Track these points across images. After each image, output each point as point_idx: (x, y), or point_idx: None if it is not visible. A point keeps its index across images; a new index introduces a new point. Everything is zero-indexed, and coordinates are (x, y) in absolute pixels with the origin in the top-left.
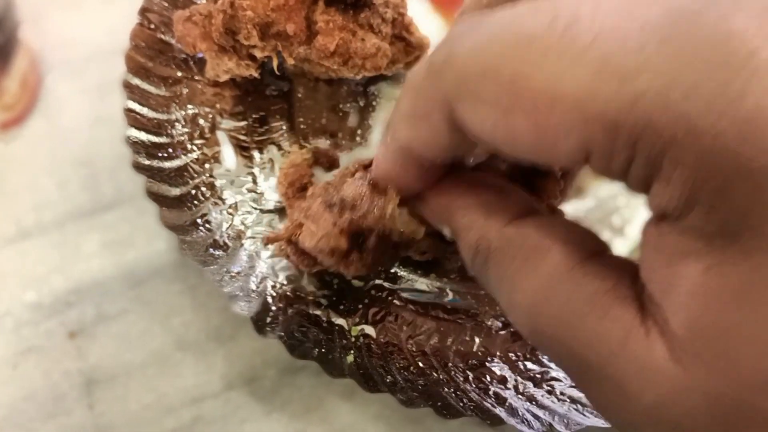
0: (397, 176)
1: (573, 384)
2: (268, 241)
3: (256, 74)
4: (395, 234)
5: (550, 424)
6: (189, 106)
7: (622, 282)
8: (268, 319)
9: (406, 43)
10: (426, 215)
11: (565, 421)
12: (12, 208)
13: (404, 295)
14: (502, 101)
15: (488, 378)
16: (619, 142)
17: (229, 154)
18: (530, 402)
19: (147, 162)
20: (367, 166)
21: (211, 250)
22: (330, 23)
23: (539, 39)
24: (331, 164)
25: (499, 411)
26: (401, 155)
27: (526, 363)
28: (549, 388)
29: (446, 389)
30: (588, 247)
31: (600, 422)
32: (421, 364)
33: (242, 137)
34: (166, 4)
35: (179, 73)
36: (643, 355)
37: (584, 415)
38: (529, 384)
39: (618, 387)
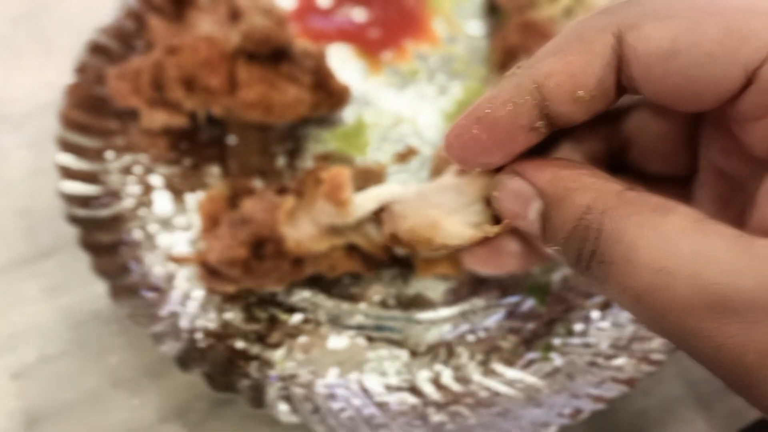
0: (500, 121)
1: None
2: (173, 259)
3: (185, 124)
4: (291, 243)
5: None
6: (124, 155)
7: (744, 232)
8: (196, 356)
9: (326, 90)
10: (521, 186)
11: None
12: None
13: (330, 327)
14: (692, 15)
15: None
16: None
17: (163, 200)
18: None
19: (81, 213)
20: (280, 191)
21: (143, 292)
22: (251, 77)
23: None
24: (248, 194)
25: None
26: (526, 90)
27: (443, 382)
28: (461, 408)
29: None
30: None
31: None
32: (341, 392)
33: (176, 182)
34: (101, 61)
35: (114, 125)
36: None
37: None
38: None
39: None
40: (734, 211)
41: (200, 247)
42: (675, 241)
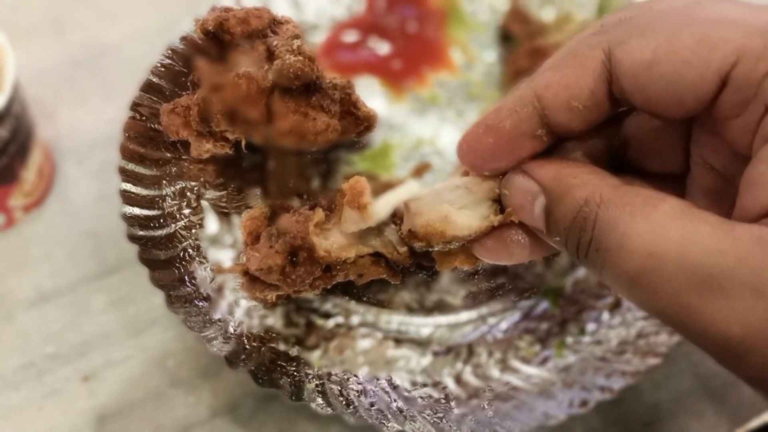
0: (505, 128)
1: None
2: (219, 270)
3: (230, 152)
4: (321, 251)
5: None
6: (177, 182)
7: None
8: (243, 356)
9: (354, 117)
10: (525, 183)
11: None
12: (33, 277)
13: (362, 330)
14: (670, 29)
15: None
16: None
17: (212, 220)
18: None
19: (140, 233)
20: (312, 207)
21: (195, 301)
22: (285, 109)
23: None
24: (286, 212)
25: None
26: (527, 101)
27: (464, 378)
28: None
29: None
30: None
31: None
32: (371, 388)
33: (223, 204)
34: (154, 99)
35: (168, 155)
36: None
37: None
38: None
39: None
40: (724, 204)
41: (242, 260)
42: (664, 227)
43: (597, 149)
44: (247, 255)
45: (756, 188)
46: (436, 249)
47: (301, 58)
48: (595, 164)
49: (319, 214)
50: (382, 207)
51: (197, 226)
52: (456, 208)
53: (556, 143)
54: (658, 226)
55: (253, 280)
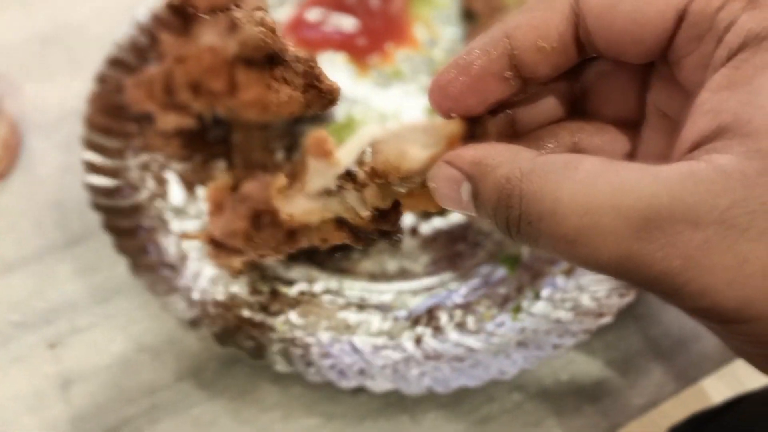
0: (475, 68)
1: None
2: (184, 236)
3: (195, 124)
4: (284, 215)
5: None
6: (142, 154)
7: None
8: (206, 321)
9: (317, 90)
10: (453, 174)
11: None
12: None
13: (325, 297)
14: None
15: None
16: None
17: (177, 192)
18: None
19: (105, 202)
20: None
21: (160, 269)
22: (248, 79)
23: None
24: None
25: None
26: (498, 42)
27: (424, 341)
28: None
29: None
30: None
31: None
32: (334, 351)
33: (188, 176)
34: (120, 72)
35: (133, 128)
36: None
37: None
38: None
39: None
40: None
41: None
42: (592, 183)
43: (559, 96)
44: (212, 223)
45: (695, 115)
46: (398, 188)
47: (263, 29)
48: (557, 111)
49: (281, 179)
50: (345, 153)
51: (161, 197)
52: (413, 146)
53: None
54: (585, 183)
55: (218, 246)
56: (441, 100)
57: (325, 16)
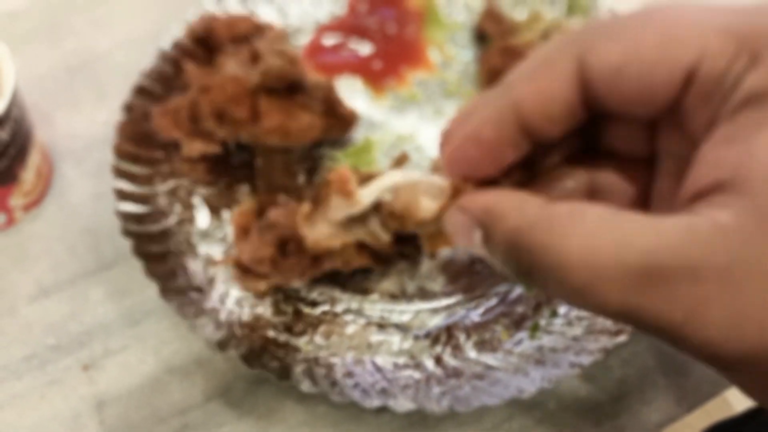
0: (488, 140)
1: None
2: (214, 262)
3: (219, 150)
4: (309, 242)
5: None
6: (169, 180)
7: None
8: (233, 342)
9: (336, 115)
10: (465, 221)
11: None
12: (34, 272)
13: (347, 317)
14: (636, 29)
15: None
16: (733, 45)
17: (203, 216)
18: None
19: (135, 228)
20: (299, 201)
21: (188, 292)
22: (270, 108)
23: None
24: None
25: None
26: (506, 113)
27: (443, 360)
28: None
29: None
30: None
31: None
32: (357, 370)
33: (213, 201)
34: (146, 101)
35: (160, 154)
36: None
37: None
38: (443, 378)
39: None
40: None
41: (234, 253)
42: (596, 237)
43: (570, 147)
44: (238, 247)
45: (697, 167)
46: (417, 231)
47: (284, 60)
48: (571, 149)
49: (306, 207)
50: (366, 193)
51: (189, 222)
52: (425, 196)
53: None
54: (589, 238)
55: (245, 271)
56: (458, 171)
57: (343, 41)
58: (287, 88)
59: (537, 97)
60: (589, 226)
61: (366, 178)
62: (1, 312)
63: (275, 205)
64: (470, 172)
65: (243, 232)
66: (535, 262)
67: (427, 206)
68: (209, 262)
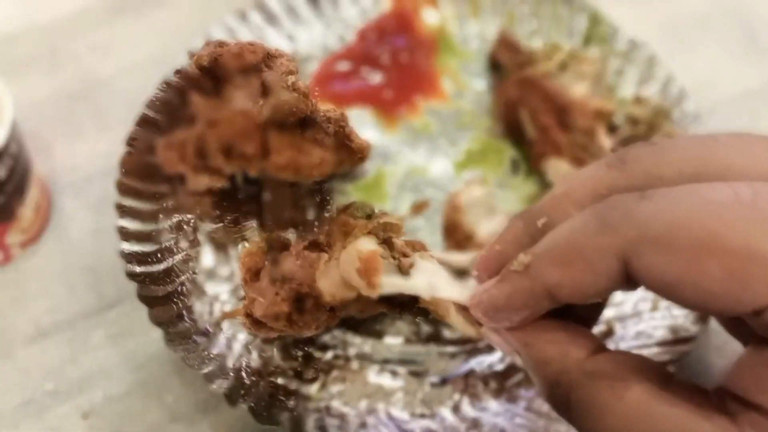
0: (517, 309)
1: None
2: (224, 316)
3: (226, 185)
4: (327, 297)
5: None
6: (174, 215)
7: (706, 397)
8: (242, 392)
9: (348, 149)
10: (502, 342)
11: None
12: (32, 312)
13: (359, 362)
14: (694, 252)
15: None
16: None
17: (208, 253)
18: None
19: (138, 269)
20: (307, 247)
21: (194, 337)
22: (281, 144)
23: (730, 206)
24: (282, 247)
25: None
26: (539, 296)
27: (461, 409)
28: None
29: None
30: (662, 372)
31: None
32: (371, 421)
33: (219, 236)
34: (150, 132)
35: (164, 189)
36: None
37: None
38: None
39: None
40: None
41: (241, 295)
42: (634, 423)
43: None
44: (247, 294)
45: (741, 364)
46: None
47: (295, 94)
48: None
49: (323, 260)
50: (388, 288)
51: (194, 260)
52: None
53: None
54: (626, 422)
55: (257, 322)
56: (488, 323)
57: (353, 69)
58: (298, 122)
59: (574, 286)
60: (628, 409)
61: (383, 227)
62: None
63: (285, 247)
64: (500, 323)
65: (252, 275)
66: (571, 415)
67: (459, 322)
68: (222, 318)
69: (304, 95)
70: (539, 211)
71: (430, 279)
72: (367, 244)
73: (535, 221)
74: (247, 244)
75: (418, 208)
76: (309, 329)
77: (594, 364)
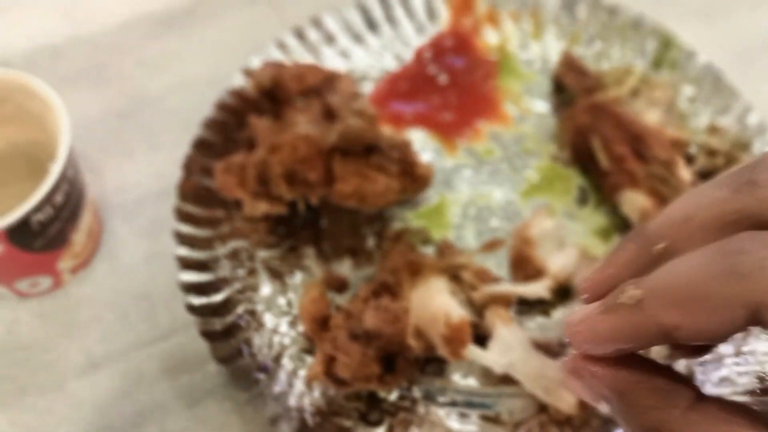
0: (621, 343)
1: None
2: (309, 380)
3: (284, 211)
4: (417, 351)
5: None
6: (230, 242)
7: None
8: None
9: (411, 176)
10: (587, 391)
11: None
12: (83, 341)
13: (426, 403)
14: None
15: None
16: None
17: (265, 282)
18: None
19: (198, 302)
20: (375, 291)
21: (255, 374)
22: (345, 171)
23: None
24: (341, 287)
25: None
26: (652, 334)
27: None
28: None
29: None
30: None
31: None
32: None
33: (276, 265)
34: (206, 154)
35: (220, 214)
36: None
37: None
38: None
39: None
40: None
41: (300, 329)
42: None
43: None
44: (320, 349)
45: None
46: None
47: (363, 120)
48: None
49: (413, 318)
50: (472, 357)
51: (252, 289)
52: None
53: None
54: None
55: (340, 381)
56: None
57: (411, 90)
58: (364, 149)
59: (693, 330)
60: None
61: (451, 269)
62: (48, 387)
63: (344, 289)
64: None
65: (319, 325)
66: None
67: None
68: (306, 382)
69: (372, 121)
70: (656, 235)
71: (510, 357)
72: (441, 290)
73: (650, 246)
74: (300, 279)
75: (491, 246)
76: (400, 385)
77: (699, 416)
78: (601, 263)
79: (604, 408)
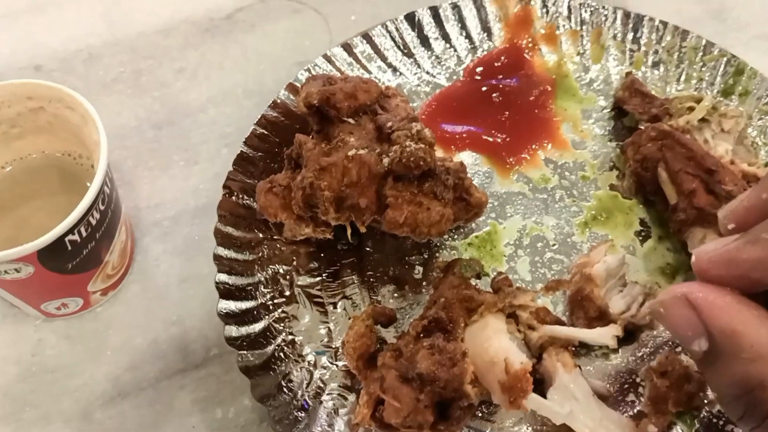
0: (756, 278)
1: None
2: (355, 426)
3: (330, 236)
4: (474, 398)
5: None
6: (269, 266)
7: None
8: None
9: (465, 203)
10: (692, 320)
11: None
12: (110, 368)
13: None
14: None
15: None
16: None
17: (305, 311)
18: None
19: (237, 333)
20: (427, 328)
21: (295, 413)
22: (399, 197)
23: None
24: (389, 321)
25: None
26: None
27: None
28: None
29: None
30: None
31: None
32: None
33: (317, 293)
34: (247, 172)
35: (260, 235)
36: None
37: None
38: None
39: None
40: None
41: (342, 364)
42: None
43: None
44: (367, 391)
45: None
46: None
47: (422, 146)
48: None
49: (462, 349)
50: (531, 407)
51: (291, 318)
52: None
53: None
54: None
55: (388, 426)
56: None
57: (462, 110)
58: (417, 175)
59: None
60: None
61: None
62: (73, 414)
63: (392, 322)
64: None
65: (365, 362)
66: None
67: None
68: (352, 427)
69: (430, 146)
70: None
71: (571, 406)
72: (499, 330)
73: None
74: (342, 308)
75: (553, 288)
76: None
77: None
78: (747, 195)
79: (697, 347)
